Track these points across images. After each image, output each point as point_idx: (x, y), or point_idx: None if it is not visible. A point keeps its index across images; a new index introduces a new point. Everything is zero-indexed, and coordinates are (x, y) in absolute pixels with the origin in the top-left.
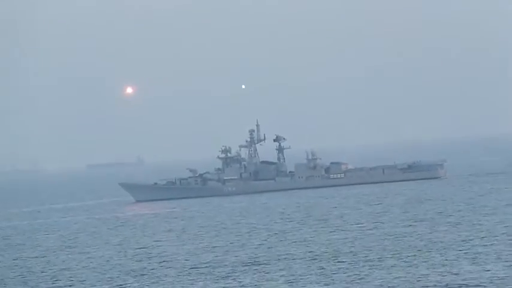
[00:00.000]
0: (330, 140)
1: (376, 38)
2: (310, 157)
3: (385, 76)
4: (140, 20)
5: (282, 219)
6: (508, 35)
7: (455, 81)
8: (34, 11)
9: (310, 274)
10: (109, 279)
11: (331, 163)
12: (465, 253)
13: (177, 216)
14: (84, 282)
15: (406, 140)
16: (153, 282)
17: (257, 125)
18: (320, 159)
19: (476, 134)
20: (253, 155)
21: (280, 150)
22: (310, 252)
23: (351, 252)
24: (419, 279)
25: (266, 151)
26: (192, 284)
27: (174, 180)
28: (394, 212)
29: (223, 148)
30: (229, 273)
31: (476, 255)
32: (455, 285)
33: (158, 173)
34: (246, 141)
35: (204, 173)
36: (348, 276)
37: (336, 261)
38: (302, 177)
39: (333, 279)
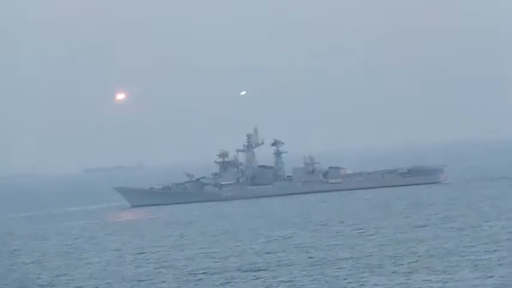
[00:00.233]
0: (329, 144)
1: (375, 39)
2: (308, 161)
3: (384, 80)
4: (138, 21)
5: (281, 224)
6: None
7: (456, 83)
8: (27, 11)
9: (310, 280)
10: (107, 285)
11: (330, 168)
12: (467, 259)
13: (175, 222)
14: None
15: (407, 143)
16: None
17: (255, 129)
18: (318, 163)
19: (478, 136)
20: (250, 160)
21: (278, 154)
22: (310, 258)
23: (352, 258)
24: (421, 285)
25: (264, 155)
26: None
27: (170, 185)
28: (395, 217)
29: (220, 152)
30: (228, 279)
31: (479, 261)
32: None
33: (158, 177)
34: (244, 146)
35: (201, 178)
36: (349, 282)
37: (336, 267)
38: (300, 181)
39: (333, 286)
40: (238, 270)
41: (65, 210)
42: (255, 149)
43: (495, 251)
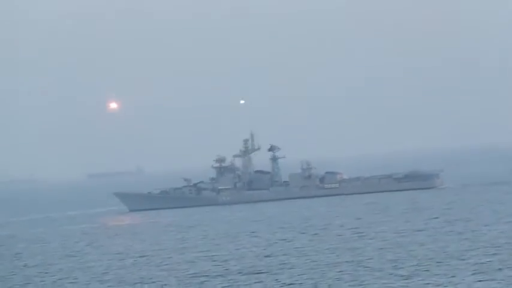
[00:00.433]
0: (325, 150)
1: (374, 43)
2: (304, 167)
3: (383, 83)
4: (134, 22)
5: (281, 228)
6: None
7: (454, 89)
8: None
9: (311, 283)
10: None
11: (326, 173)
12: (467, 263)
13: (176, 226)
14: None
15: (405, 150)
16: None
17: (252, 135)
18: (315, 168)
19: (477, 142)
20: (247, 165)
21: (274, 159)
22: (311, 261)
23: (352, 261)
24: None
25: (260, 161)
26: None
27: (168, 190)
28: (394, 221)
29: (217, 157)
30: (230, 282)
31: (478, 265)
32: None
33: (157, 182)
34: (240, 151)
35: (198, 183)
36: (350, 285)
37: (337, 270)
38: (297, 187)
39: None
40: (240, 273)
41: (66, 214)
42: (252, 154)
43: (495, 254)
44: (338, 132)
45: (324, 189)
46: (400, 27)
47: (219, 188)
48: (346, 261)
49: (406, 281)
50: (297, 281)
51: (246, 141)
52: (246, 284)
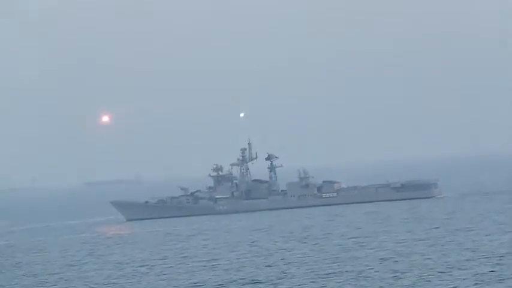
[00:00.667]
0: (323, 158)
1: (374, 48)
2: (302, 176)
3: (382, 88)
4: (132, 25)
5: (281, 237)
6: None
7: (455, 97)
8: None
9: None
10: None
11: (324, 182)
12: (468, 273)
13: (175, 235)
14: None
15: (404, 158)
16: None
17: (249, 144)
18: (312, 177)
19: (477, 151)
20: (245, 174)
21: (272, 168)
22: (312, 271)
23: (353, 271)
24: None
25: (258, 169)
26: None
27: (165, 199)
28: (394, 231)
29: (214, 166)
30: None
31: (480, 275)
32: None
33: (156, 190)
34: (238, 160)
35: (196, 192)
36: None
37: (338, 280)
38: (294, 196)
39: None
40: (241, 283)
41: (65, 223)
42: (249, 163)
43: (496, 265)
44: (336, 140)
45: (321, 198)
46: (401, 29)
47: (216, 197)
48: (347, 271)
49: None
50: None
51: (243, 150)
52: None
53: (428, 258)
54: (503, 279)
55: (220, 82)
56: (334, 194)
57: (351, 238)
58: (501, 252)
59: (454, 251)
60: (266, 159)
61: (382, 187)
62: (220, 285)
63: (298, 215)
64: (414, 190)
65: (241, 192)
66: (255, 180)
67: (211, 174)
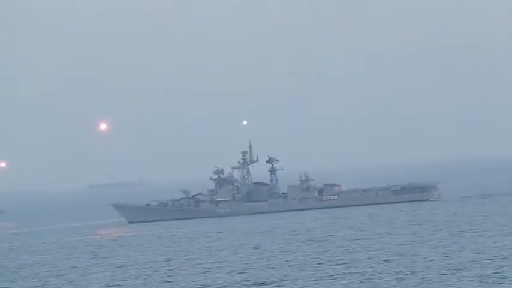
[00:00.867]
0: (324, 161)
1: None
2: (303, 178)
3: (382, 88)
4: (131, 25)
5: (285, 239)
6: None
7: (455, 100)
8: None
9: None
10: None
11: (325, 184)
12: (473, 274)
13: (179, 237)
14: None
15: (405, 161)
16: None
17: (250, 146)
18: (313, 180)
19: (477, 154)
20: (246, 177)
21: (272, 171)
22: (315, 273)
23: (356, 272)
24: None
25: (259, 172)
26: None
27: (166, 202)
28: (397, 233)
29: (215, 169)
30: None
31: (483, 277)
32: None
33: (160, 193)
34: (239, 163)
35: (197, 194)
36: None
37: (341, 282)
38: (295, 198)
39: None
40: (244, 285)
41: (69, 225)
42: (250, 166)
43: (500, 267)
44: (335, 143)
45: (322, 201)
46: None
47: (218, 199)
48: (350, 273)
49: None
50: None
51: (244, 153)
52: None
53: (431, 260)
54: (506, 281)
55: (221, 84)
56: (335, 197)
57: (354, 240)
58: (504, 254)
59: (457, 253)
60: (267, 162)
61: (382, 190)
62: (224, 287)
63: (301, 217)
64: (414, 192)
65: (242, 195)
66: (256, 183)
67: (213, 177)
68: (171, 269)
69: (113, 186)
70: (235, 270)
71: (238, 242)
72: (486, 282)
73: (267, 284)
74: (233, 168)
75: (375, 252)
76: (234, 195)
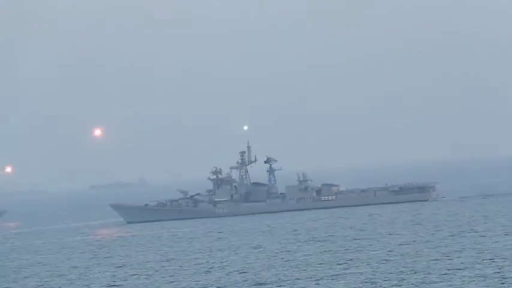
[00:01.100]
0: (323, 161)
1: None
2: (301, 179)
3: (383, 89)
4: (131, 26)
5: (285, 239)
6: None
7: (455, 100)
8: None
9: None
10: None
11: (323, 185)
12: (474, 274)
13: (179, 237)
14: None
15: (405, 161)
16: None
17: (248, 147)
18: (311, 180)
19: (477, 154)
20: (244, 177)
21: (271, 171)
22: (316, 273)
23: (357, 272)
24: None
25: (257, 173)
26: None
27: (164, 202)
28: (398, 233)
29: (214, 169)
30: None
31: (484, 277)
32: None
33: (160, 193)
34: (237, 163)
35: (195, 195)
36: None
37: (342, 282)
38: (293, 199)
39: None
40: (244, 285)
41: (69, 225)
42: (248, 166)
43: (501, 267)
44: (334, 143)
45: (320, 201)
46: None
47: (216, 200)
48: (351, 273)
49: None
50: None
51: (242, 153)
52: None
53: (432, 260)
54: (508, 281)
55: (221, 85)
56: (333, 197)
57: (355, 240)
58: (505, 254)
59: (458, 252)
60: (265, 162)
61: (380, 190)
62: (225, 287)
63: (301, 217)
64: (412, 193)
65: (241, 195)
66: (254, 183)
67: (211, 178)
68: (172, 269)
69: (113, 187)
70: (236, 270)
71: (238, 242)
72: (487, 283)
73: (268, 284)
74: (231, 168)
75: (376, 252)
76: (232, 196)
